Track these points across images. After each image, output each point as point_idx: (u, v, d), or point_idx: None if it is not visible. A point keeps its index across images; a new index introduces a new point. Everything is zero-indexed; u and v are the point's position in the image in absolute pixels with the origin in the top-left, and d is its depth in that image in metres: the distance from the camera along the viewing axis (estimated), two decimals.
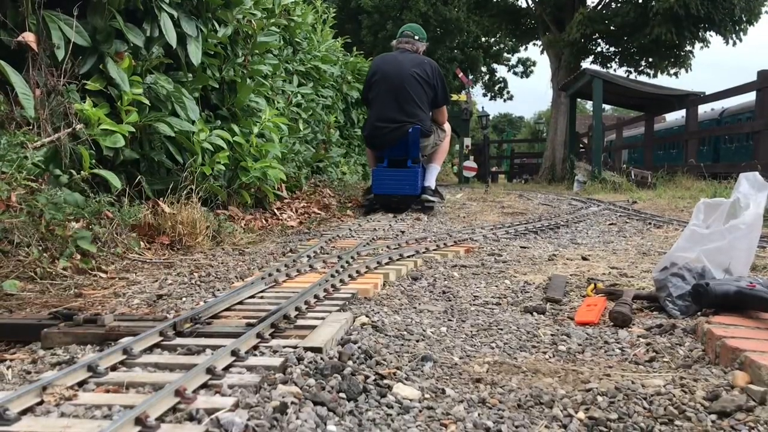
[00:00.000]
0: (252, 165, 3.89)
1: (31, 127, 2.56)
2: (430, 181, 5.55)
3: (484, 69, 28.14)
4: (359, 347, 1.33)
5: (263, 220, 4.11)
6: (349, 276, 2.12)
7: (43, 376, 1.09)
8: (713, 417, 1.05)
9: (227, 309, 1.64)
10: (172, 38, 3.14)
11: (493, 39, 25.55)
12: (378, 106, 5.38)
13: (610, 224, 4.61)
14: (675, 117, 20.28)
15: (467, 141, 17.14)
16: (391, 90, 5.31)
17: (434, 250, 2.94)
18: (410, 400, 1.11)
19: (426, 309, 1.82)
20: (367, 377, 1.17)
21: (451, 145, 7.24)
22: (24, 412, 0.94)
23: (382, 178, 5.25)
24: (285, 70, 5.70)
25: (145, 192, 3.09)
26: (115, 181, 2.70)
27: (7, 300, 1.82)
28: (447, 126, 5.85)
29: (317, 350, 1.27)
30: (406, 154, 5.30)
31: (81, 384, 1.07)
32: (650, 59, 17.30)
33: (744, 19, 15.12)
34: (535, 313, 1.80)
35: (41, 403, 0.97)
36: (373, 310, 1.76)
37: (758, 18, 15.17)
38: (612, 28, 16.57)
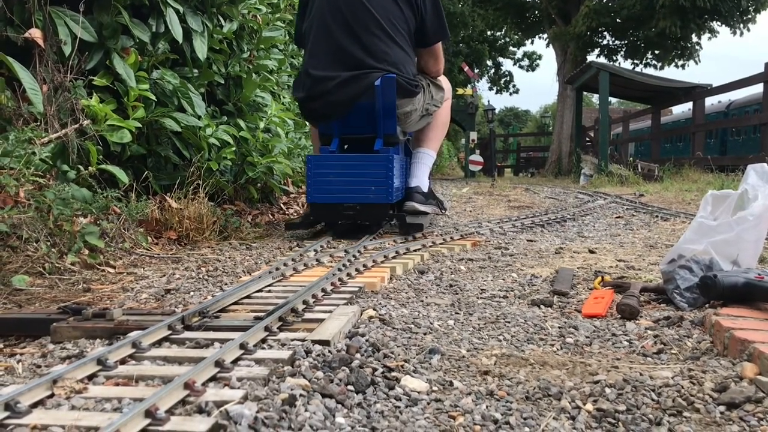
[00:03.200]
0: (258, 160, 3.90)
1: (38, 123, 2.57)
2: (420, 179, 3.37)
3: (489, 63, 28.09)
4: (367, 340, 1.33)
5: (270, 215, 4.12)
6: (356, 270, 2.13)
7: (53, 370, 1.10)
8: (722, 408, 1.04)
9: (235, 303, 1.65)
10: (178, 34, 3.14)
11: (498, 33, 25.50)
12: (317, 42, 3.11)
13: (617, 217, 4.60)
14: (682, 110, 20.18)
15: (473, 135, 17.11)
16: (337, 12, 3.07)
17: (441, 243, 2.94)
18: (418, 392, 1.11)
19: (433, 302, 1.82)
20: (375, 370, 1.18)
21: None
22: (35, 405, 0.94)
23: (326, 172, 3.02)
24: (290, 65, 5.69)
25: (152, 187, 3.10)
26: (122, 176, 2.71)
27: (16, 295, 1.83)
28: (445, 81, 3.54)
29: (325, 343, 1.27)
30: (371, 128, 3.11)
31: (91, 377, 1.08)
32: (656, 51, 17.24)
33: (751, 8, 15.03)
34: (542, 306, 1.80)
35: (52, 396, 0.98)
36: (380, 303, 1.76)
37: (765, 7, 15.08)
38: (618, 20, 16.52)
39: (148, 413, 0.87)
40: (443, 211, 3.78)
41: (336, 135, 3.17)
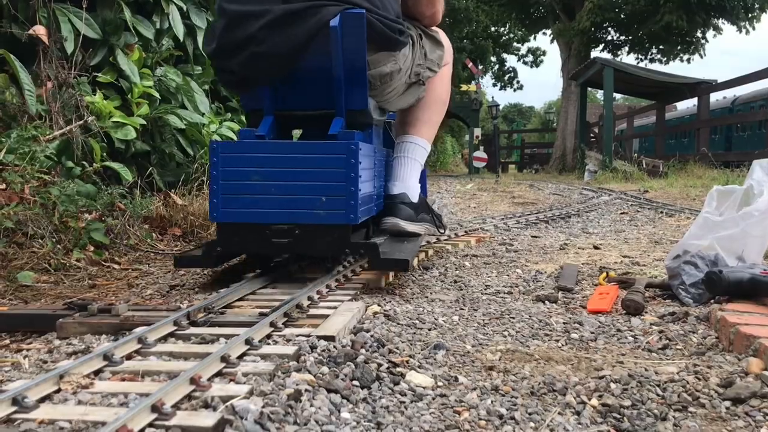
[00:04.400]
0: None
1: (43, 120, 2.58)
2: (407, 182, 2.23)
3: (493, 59, 28.01)
4: (372, 336, 1.33)
5: None
6: (361, 266, 2.12)
7: (59, 365, 1.10)
8: (727, 403, 1.04)
9: (240, 299, 1.65)
10: (179, 31, 3.15)
11: (502, 28, 25.46)
12: None
13: (621, 213, 4.59)
14: (686, 105, 20.12)
15: (477, 131, 17.10)
16: None
17: (445, 240, 2.93)
18: (423, 387, 1.11)
19: (438, 298, 1.82)
20: (380, 365, 1.18)
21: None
22: (42, 400, 0.94)
23: (244, 171, 1.74)
24: None
25: (156, 184, 3.10)
26: (126, 173, 2.72)
27: (22, 291, 1.84)
28: (444, 37, 2.28)
29: (330, 339, 1.27)
30: (325, 100, 1.88)
31: (97, 372, 1.08)
32: (661, 47, 17.20)
33: (757, 6, 14.97)
34: (547, 302, 1.80)
35: (58, 391, 0.98)
36: (385, 299, 1.76)
37: None
38: (622, 16, 16.48)
39: (155, 408, 0.87)
40: (441, 232, 2.47)
41: (268, 111, 1.92)
